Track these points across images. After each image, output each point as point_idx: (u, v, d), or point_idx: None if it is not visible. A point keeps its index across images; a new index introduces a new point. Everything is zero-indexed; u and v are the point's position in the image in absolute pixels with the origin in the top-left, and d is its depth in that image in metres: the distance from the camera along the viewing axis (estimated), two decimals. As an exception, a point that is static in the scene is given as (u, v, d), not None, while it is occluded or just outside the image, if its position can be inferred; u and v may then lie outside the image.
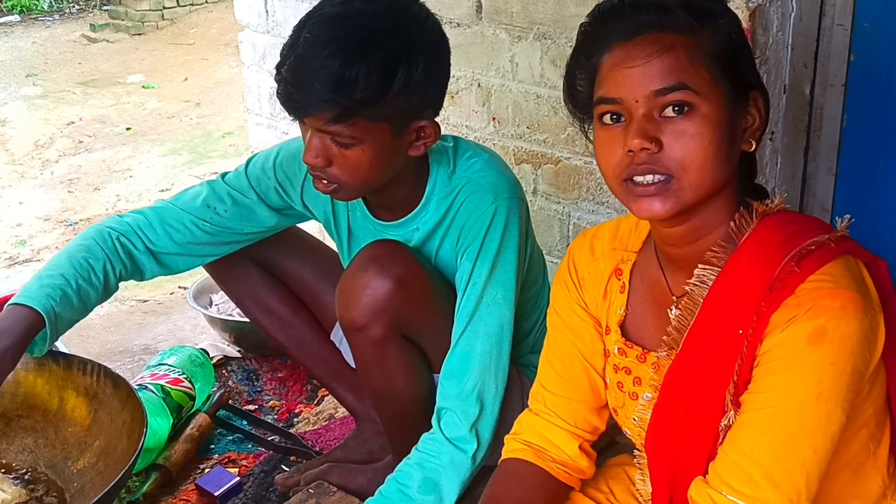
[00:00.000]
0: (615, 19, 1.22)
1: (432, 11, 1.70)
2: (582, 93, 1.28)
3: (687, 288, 1.28)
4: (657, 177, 1.18)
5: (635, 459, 1.44)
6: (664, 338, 1.31)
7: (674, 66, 1.17)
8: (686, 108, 1.17)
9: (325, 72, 1.55)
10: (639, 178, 1.19)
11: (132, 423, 1.67)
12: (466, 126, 2.54)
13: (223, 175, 2.00)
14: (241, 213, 1.96)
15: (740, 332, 1.20)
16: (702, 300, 1.26)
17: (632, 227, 1.43)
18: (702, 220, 1.25)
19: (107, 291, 1.91)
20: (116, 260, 1.90)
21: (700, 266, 1.26)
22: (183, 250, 1.97)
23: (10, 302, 1.73)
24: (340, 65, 1.55)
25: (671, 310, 1.32)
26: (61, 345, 2.35)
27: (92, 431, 1.74)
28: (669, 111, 1.17)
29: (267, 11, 3.11)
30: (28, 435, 1.79)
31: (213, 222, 1.95)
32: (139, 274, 1.97)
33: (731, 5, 1.86)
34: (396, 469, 1.71)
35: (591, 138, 1.28)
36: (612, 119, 1.21)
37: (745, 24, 1.90)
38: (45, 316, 1.73)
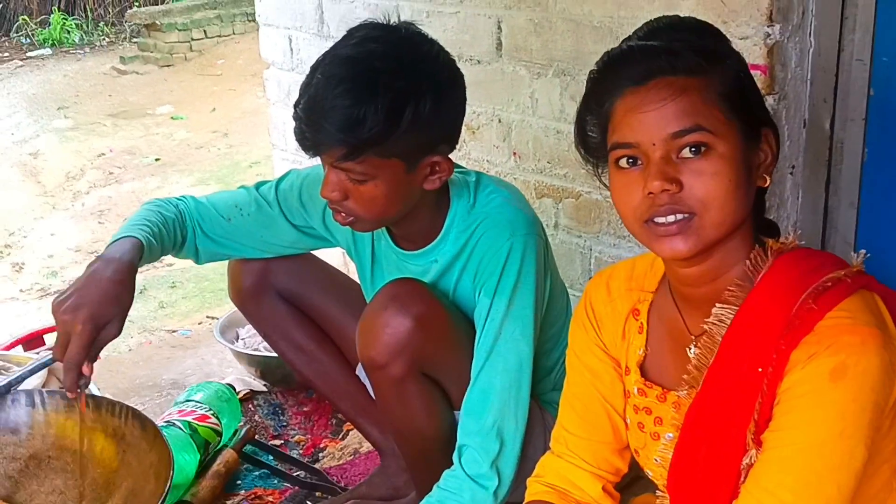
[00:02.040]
0: (626, 65, 1.24)
1: (446, 49, 1.73)
2: (594, 138, 1.30)
3: (705, 327, 1.28)
4: (679, 216, 1.19)
5: (658, 500, 1.44)
6: (684, 376, 1.31)
7: (688, 108, 1.18)
8: (703, 149, 1.18)
9: (335, 112, 1.60)
10: (660, 219, 1.20)
11: (159, 464, 1.69)
12: (487, 161, 2.56)
13: (259, 184, 2.05)
14: (263, 220, 2.00)
15: (760, 370, 1.20)
16: (720, 339, 1.26)
17: (647, 266, 1.43)
18: (719, 260, 1.26)
19: (168, 242, 1.95)
20: (178, 224, 1.95)
21: (718, 305, 1.27)
22: (210, 237, 2.00)
23: (113, 239, 1.80)
24: (349, 105, 1.59)
25: (690, 348, 1.32)
26: (93, 385, 2.39)
27: (120, 473, 1.77)
28: (686, 152, 1.18)
29: (291, 50, 3.16)
30: (58, 476, 1.81)
31: (235, 221, 2.00)
32: (186, 246, 2.00)
33: (749, 42, 1.90)
34: (418, 506, 1.72)
35: (605, 182, 1.29)
36: (628, 163, 1.23)
37: (763, 61, 1.91)
38: (144, 244, 1.79)
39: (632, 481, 1.78)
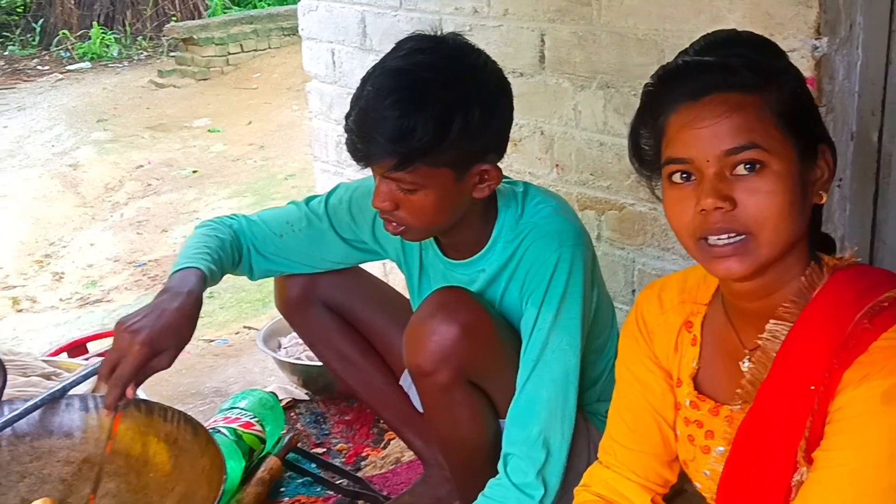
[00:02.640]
0: (681, 80, 1.24)
1: (493, 59, 1.74)
2: (648, 151, 1.30)
3: (759, 342, 1.28)
4: (733, 237, 1.19)
5: (706, 512, 1.44)
6: (738, 391, 1.31)
7: (743, 125, 1.18)
8: (758, 166, 1.17)
9: (385, 123, 1.62)
10: (713, 239, 1.20)
11: (211, 469, 1.71)
12: (530, 173, 2.57)
13: (308, 199, 2.07)
14: (313, 235, 2.03)
15: (812, 388, 1.19)
16: (774, 355, 1.26)
17: (700, 279, 1.43)
18: (774, 276, 1.25)
19: (227, 265, 1.97)
20: (234, 245, 1.98)
21: (772, 321, 1.26)
22: (264, 255, 2.03)
23: (174, 270, 1.83)
24: (399, 116, 1.61)
25: (743, 363, 1.32)
26: (141, 391, 2.42)
27: (172, 477, 1.78)
28: (741, 169, 1.18)
29: (334, 63, 3.20)
30: (111, 480, 1.83)
31: (287, 238, 2.02)
32: (241, 266, 2.03)
33: (797, 55, 1.89)
34: (463, 515, 1.73)
35: (659, 195, 1.29)
36: (682, 178, 1.22)
37: (811, 73, 1.90)
38: (207, 275, 1.83)
39: (675, 494, 1.78)
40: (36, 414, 1.87)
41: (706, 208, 1.18)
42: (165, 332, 1.71)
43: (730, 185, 1.18)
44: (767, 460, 1.25)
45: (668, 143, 1.24)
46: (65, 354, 2.95)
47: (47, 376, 2.30)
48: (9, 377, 2.02)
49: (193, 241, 1.93)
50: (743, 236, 1.19)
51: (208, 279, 1.82)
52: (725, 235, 1.19)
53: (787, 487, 1.23)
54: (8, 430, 1.85)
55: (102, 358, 1.78)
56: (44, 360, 2.43)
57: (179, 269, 1.83)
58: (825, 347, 1.19)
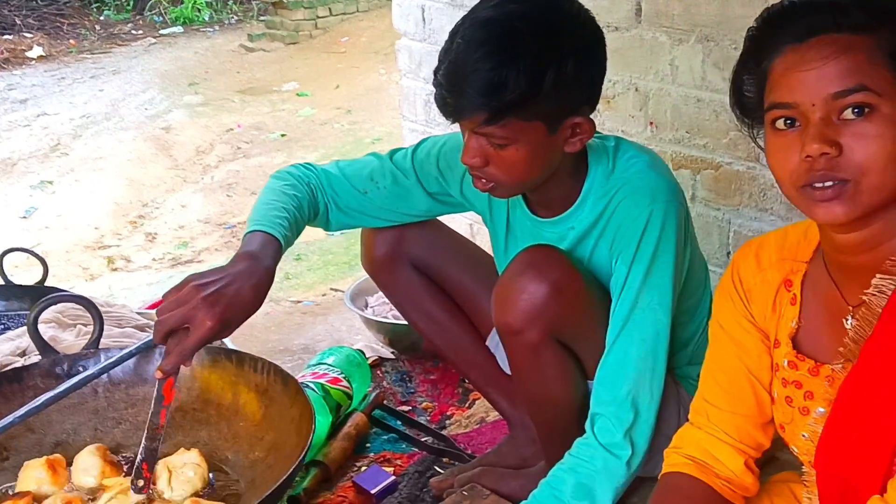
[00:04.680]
0: (787, 21, 1.19)
1: (586, 8, 1.69)
2: (751, 98, 1.25)
3: (864, 298, 1.23)
4: (838, 183, 1.14)
5: (803, 477, 1.40)
6: (840, 349, 1.26)
7: (852, 67, 1.13)
8: (866, 110, 1.13)
9: (476, 76, 1.58)
10: (818, 185, 1.15)
11: (300, 420, 1.73)
12: (622, 131, 2.52)
13: (392, 152, 2.04)
14: (398, 192, 2.00)
15: (921, 345, 1.15)
16: (880, 310, 1.21)
17: (800, 236, 1.38)
18: (880, 227, 1.20)
19: (301, 229, 1.94)
20: (311, 205, 1.94)
21: (878, 275, 1.21)
22: (344, 211, 2.01)
23: (247, 230, 1.76)
24: (490, 68, 1.57)
25: (847, 320, 1.27)
26: (229, 342, 2.47)
27: (262, 427, 1.82)
28: (848, 113, 1.13)
29: (424, 20, 3.17)
30: (202, 428, 1.87)
31: (371, 194, 2.00)
32: (318, 219, 2.00)
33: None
34: (549, 474, 1.71)
35: (761, 144, 1.25)
36: (785, 124, 1.18)
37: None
38: (283, 245, 1.77)
39: (766, 462, 1.74)
40: (131, 362, 1.91)
41: (811, 154, 1.13)
42: (239, 309, 1.64)
43: (836, 130, 1.13)
44: (871, 421, 1.21)
45: (771, 87, 1.19)
46: (154, 311, 3.02)
47: (141, 328, 2.36)
48: (105, 328, 2.08)
49: (271, 196, 1.87)
50: (849, 182, 1.14)
51: (283, 249, 1.78)
52: (830, 182, 1.14)
53: (893, 449, 1.18)
54: (104, 377, 1.90)
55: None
56: (138, 313, 2.49)
57: (258, 231, 1.76)
58: (935, 303, 1.14)
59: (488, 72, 1.58)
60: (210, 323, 1.59)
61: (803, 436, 1.34)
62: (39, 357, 2.03)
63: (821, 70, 1.14)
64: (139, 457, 1.74)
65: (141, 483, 1.73)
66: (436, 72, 1.67)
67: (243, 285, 1.64)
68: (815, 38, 1.15)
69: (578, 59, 1.62)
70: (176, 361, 1.64)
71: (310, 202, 1.93)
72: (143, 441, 1.73)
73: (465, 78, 1.59)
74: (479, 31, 1.61)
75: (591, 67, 1.68)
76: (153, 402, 1.70)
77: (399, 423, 2.42)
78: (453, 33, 1.66)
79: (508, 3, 1.63)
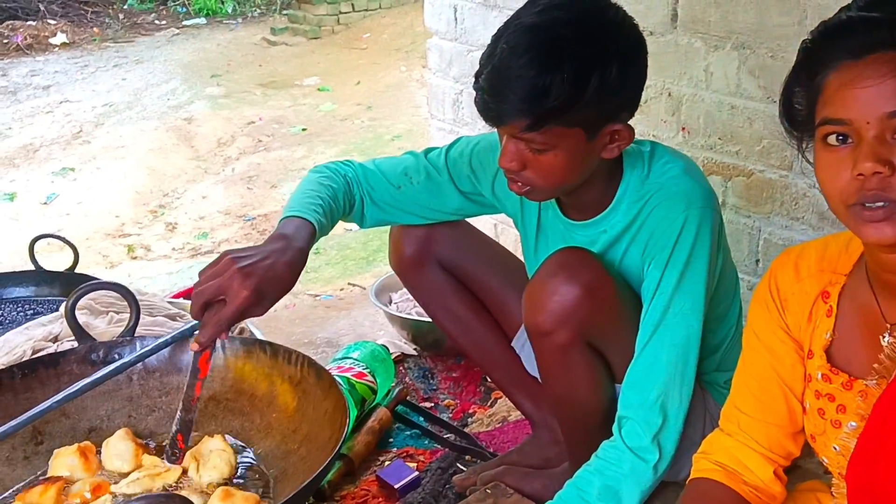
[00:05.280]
0: (844, 37, 1.19)
1: (630, 15, 1.70)
2: (801, 111, 1.25)
3: (903, 316, 1.24)
4: (889, 204, 1.14)
5: (832, 488, 1.40)
6: (875, 366, 1.27)
7: None
8: None
9: (520, 82, 1.59)
10: (868, 205, 1.15)
11: (334, 412, 1.74)
12: (654, 136, 2.52)
13: (427, 151, 2.06)
14: (431, 188, 2.01)
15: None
16: (919, 330, 1.22)
17: (841, 248, 1.38)
18: None
19: (337, 218, 1.96)
20: (347, 196, 1.96)
21: None
22: (378, 205, 2.02)
23: (283, 216, 1.80)
24: (534, 75, 1.58)
25: (884, 337, 1.28)
26: (258, 332, 2.49)
27: (295, 418, 1.83)
28: None
29: (456, 20, 3.18)
30: (235, 418, 1.89)
31: (405, 189, 2.01)
32: (353, 214, 2.02)
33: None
34: (575, 475, 1.71)
35: (809, 158, 1.25)
36: (837, 140, 1.18)
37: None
38: (317, 230, 1.80)
39: (789, 470, 1.74)
40: (166, 351, 1.93)
41: (864, 173, 1.13)
42: (273, 283, 1.67)
43: (890, 150, 1.13)
44: (905, 438, 1.21)
45: (824, 102, 1.19)
46: (182, 300, 3.04)
47: (172, 317, 2.38)
48: (139, 316, 2.09)
49: (308, 186, 1.90)
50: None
51: (318, 234, 1.81)
52: (881, 203, 1.14)
53: (926, 468, 1.19)
54: (139, 365, 1.92)
55: None
56: (168, 302, 2.51)
57: (293, 216, 1.80)
58: (976, 324, 1.14)
59: (532, 78, 1.58)
60: (245, 293, 1.62)
61: (834, 448, 1.34)
62: (72, 343, 2.05)
63: (877, 88, 1.13)
64: (174, 427, 1.77)
65: (176, 453, 1.77)
66: (477, 76, 1.68)
67: (277, 260, 1.68)
68: (872, 56, 1.14)
69: (621, 67, 1.62)
70: (213, 333, 1.66)
71: (345, 193, 1.95)
72: (178, 413, 1.76)
73: (509, 84, 1.60)
74: (523, 37, 1.62)
75: (633, 75, 1.68)
76: (188, 374, 1.73)
77: (422, 419, 2.43)
78: (496, 38, 1.67)
79: (553, 9, 1.64)
